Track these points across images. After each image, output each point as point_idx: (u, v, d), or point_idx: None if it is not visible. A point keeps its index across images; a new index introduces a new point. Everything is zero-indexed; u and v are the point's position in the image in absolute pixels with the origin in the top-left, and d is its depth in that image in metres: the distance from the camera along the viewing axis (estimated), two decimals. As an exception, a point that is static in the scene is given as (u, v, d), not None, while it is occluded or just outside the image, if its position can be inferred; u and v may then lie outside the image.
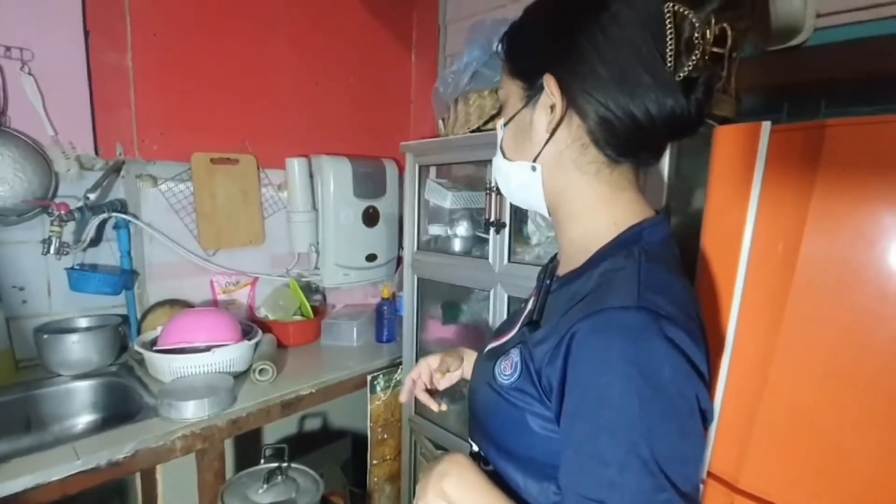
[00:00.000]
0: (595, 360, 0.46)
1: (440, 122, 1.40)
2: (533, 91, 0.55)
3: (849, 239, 0.57)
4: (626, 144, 0.53)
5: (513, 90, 0.58)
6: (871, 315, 0.56)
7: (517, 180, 0.60)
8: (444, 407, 0.80)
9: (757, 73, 1.09)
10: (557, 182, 0.57)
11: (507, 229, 1.19)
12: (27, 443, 1.19)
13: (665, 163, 0.87)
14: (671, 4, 0.48)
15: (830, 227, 0.58)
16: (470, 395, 0.66)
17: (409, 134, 2.09)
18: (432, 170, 1.52)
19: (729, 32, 0.48)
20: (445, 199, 1.42)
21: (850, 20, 1.04)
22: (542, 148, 0.55)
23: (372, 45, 1.91)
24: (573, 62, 0.51)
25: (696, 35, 0.48)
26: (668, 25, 0.48)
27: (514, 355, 0.56)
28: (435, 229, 1.48)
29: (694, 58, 0.48)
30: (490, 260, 1.23)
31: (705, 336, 0.51)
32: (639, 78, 0.49)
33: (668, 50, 0.48)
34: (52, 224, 1.22)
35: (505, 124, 0.60)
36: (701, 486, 0.72)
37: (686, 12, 0.48)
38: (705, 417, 0.48)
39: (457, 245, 1.42)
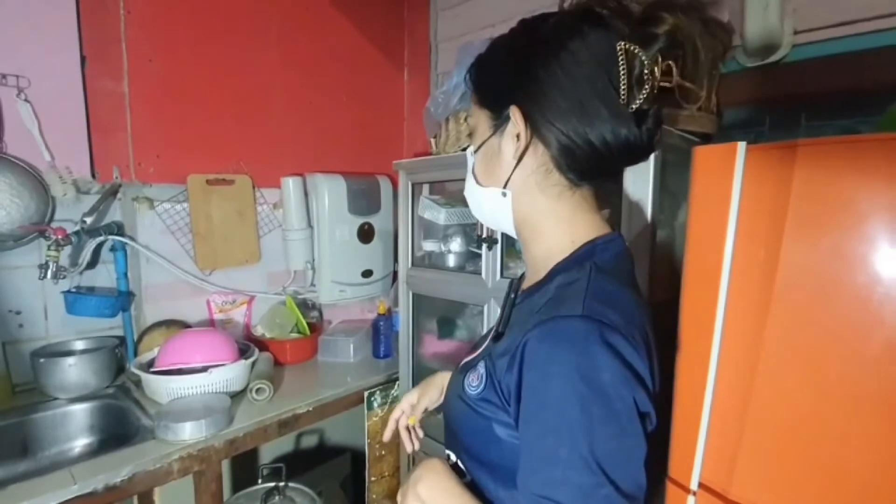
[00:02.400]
0: (541, 366, 0.49)
1: (432, 140, 1.43)
2: (500, 121, 0.59)
3: (825, 249, 0.59)
4: (586, 169, 0.57)
5: (481, 119, 0.62)
6: (851, 322, 0.58)
7: (489, 205, 0.64)
8: (417, 446, 0.88)
9: (738, 89, 1.12)
10: (523, 204, 0.61)
11: (498, 245, 1.20)
12: (23, 468, 1.18)
13: (649, 178, 0.89)
14: (623, 43, 0.52)
15: (807, 238, 0.60)
16: (444, 407, 0.70)
17: (403, 151, 2.12)
18: (426, 186, 1.53)
19: (674, 69, 0.53)
20: (440, 215, 1.44)
21: (826, 36, 1.07)
22: (511, 173, 0.59)
23: (364, 65, 1.94)
24: (537, 95, 0.55)
25: (645, 71, 0.52)
26: (621, 63, 0.52)
27: (481, 367, 0.60)
28: (429, 245, 1.49)
29: (644, 91, 0.52)
30: (483, 276, 1.25)
31: (649, 344, 0.54)
32: (596, 110, 0.53)
33: (621, 85, 0.52)
34: (49, 248, 1.23)
35: (475, 151, 0.64)
36: (667, 487, 0.73)
37: (636, 50, 0.52)
38: (648, 420, 0.51)
39: (451, 261, 1.43)
